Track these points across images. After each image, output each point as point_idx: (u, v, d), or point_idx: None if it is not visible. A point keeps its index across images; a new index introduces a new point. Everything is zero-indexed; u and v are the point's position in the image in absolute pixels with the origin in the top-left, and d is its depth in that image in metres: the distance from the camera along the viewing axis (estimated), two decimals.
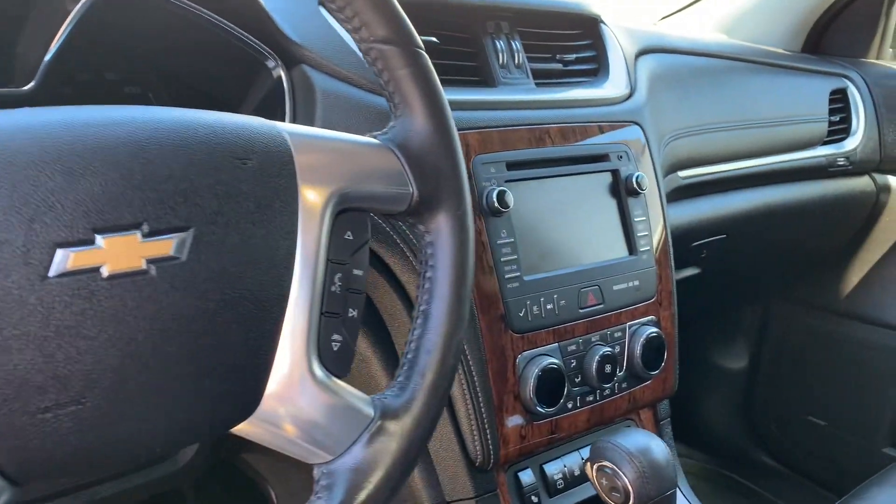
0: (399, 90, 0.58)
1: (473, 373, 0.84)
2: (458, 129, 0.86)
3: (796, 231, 1.54)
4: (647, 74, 1.15)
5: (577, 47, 1.08)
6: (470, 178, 0.85)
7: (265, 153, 0.52)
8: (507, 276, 0.86)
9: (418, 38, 0.59)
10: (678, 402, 2.02)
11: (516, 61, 0.98)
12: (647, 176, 1.01)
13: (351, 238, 0.56)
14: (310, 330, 0.53)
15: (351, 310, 0.55)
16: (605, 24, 1.12)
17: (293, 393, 0.52)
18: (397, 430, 0.55)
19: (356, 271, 0.56)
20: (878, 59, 1.66)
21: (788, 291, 1.81)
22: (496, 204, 0.84)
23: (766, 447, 1.93)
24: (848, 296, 1.71)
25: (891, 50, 1.67)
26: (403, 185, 0.58)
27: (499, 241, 0.86)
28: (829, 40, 1.66)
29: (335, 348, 0.54)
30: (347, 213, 0.56)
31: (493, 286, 0.85)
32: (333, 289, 0.54)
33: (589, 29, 1.10)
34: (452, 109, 0.89)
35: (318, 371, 0.53)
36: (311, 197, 0.53)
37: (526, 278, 0.88)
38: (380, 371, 0.86)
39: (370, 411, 0.55)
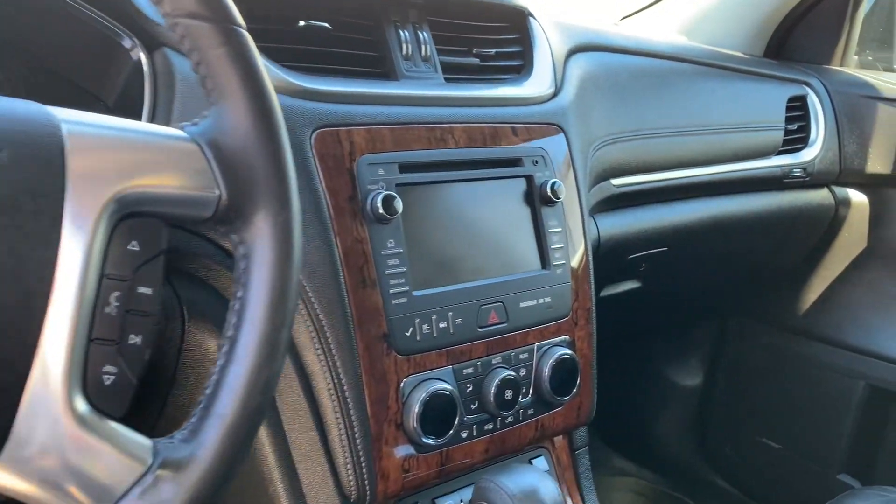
0: (212, 74, 0.49)
1: (348, 399, 0.75)
2: (343, 125, 0.78)
3: (747, 245, 1.46)
4: (578, 73, 1.07)
5: (499, 41, 0.99)
6: (353, 179, 0.77)
7: (24, 144, 0.43)
8: (392, 291, 0.77)
9: (236, 14, 0.50)
10: (630, 419, 1.94)
11: (423, 53, 0.89)
12: (565, 183, 0.92)
13: (137, 249, 0.47)
14: (72, 359, 0.44)
15: (133, 336, 0.46)
16: (533, 17, 1.03)
17: (48, 434, 0.43)
18: (179, 482, 0.46)
19: (143, 289, 0.47)
20: (841, 65, 1.58)
21: (743, 307, 1.72)
22: (381, 210, 0.76)
23: (719, 469, 1.85)
24: (805, 314, 1.63)
25: (856, 57, 1.59)
26: (209, 187, 0.49)
27: (384, 252, 0.77)
28: (793, 45, 1.58)
29: (107, 382, 0.45)
30: (133, 219, 0.47)
31: (374, 302, 0.76)
32: (108, 310, 0.45)
33: (515, 22, 1.01)
34: (341, 103, 0.81)
35: (82, 408, 0.44)
36: (83, 199, 0.44)
37: (416, 293, 0.79)
38: None
39: (147, 458, 0.46)
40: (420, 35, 0.89)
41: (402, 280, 0.78)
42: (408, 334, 0.78)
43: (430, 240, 0.81)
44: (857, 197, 1.52)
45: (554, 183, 0.90)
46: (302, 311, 0.74)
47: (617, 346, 1.87)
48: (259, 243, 0.49)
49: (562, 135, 0.96)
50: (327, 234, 0.74)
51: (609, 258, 1.17)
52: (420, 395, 0.77)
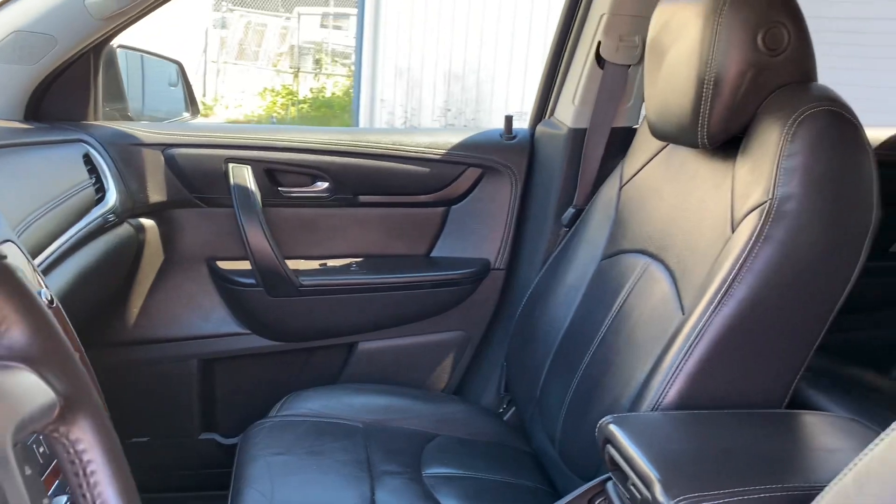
0: None
1: None
2: None
3: (82, 297, 1.61)
4: None
5: None
6: None
7: None
8: None
9: None
10: None
11: None
12: None
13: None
14: None
15: None
16: None
17: None
18: None
19: None
20: (99, 119, 1.86)
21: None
22: None
23: None
24: (136, 326, 1.93)
25: (106, 108, 1.89)
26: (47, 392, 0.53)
27: None
28: (50, 106, 1.77)
29: None
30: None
31: None
32: None
33: None
34: None
35: None
36: None
37: None
38: None
39: None
40: None
41: None
42: None
43: None
44: (148, 222, 1.88)
45: None
46: None
47: None
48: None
49: None
50: None
51: None
52: None
